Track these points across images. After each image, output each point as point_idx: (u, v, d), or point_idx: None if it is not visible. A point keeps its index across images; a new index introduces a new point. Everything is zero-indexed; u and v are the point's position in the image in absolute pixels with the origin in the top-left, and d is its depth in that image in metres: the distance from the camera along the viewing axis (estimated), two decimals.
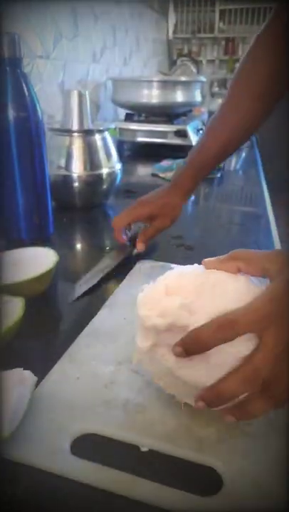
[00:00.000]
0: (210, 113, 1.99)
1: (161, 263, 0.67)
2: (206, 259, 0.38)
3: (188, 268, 0.39)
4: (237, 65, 0.72)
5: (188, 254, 0.73)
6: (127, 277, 0.63)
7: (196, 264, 0.39)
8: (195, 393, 0.35)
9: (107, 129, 0.96)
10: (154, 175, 1.28)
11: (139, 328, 0.37)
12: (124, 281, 0.62)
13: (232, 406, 0.34)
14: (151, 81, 1.52)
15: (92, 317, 0.53)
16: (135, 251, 0.70)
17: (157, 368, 0.37)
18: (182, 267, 0.39)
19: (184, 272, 0.38)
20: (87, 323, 0.52)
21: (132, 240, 0.71)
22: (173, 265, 0.40)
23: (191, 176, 0.72)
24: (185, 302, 0.34)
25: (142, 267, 0.66)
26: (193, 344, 0.33)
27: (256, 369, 0.32)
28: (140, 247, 0.69)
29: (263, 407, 0.33)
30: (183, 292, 0.35)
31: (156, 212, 0.69)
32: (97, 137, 0.93)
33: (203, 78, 1.69)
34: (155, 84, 1.50)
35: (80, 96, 0.91)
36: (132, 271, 0.65)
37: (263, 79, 0.66)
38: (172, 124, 1.51)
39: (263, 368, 0.32)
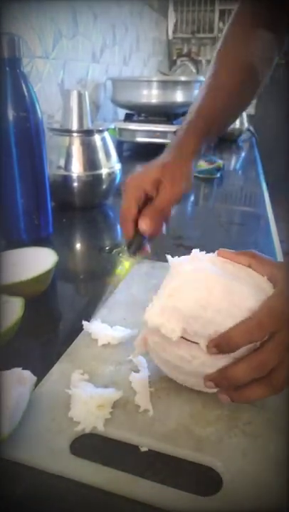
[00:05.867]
0: None
1: (160, 263, 0.67)
2: (221, 249, 0.42)
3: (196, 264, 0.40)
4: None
5: (188, 254, 0.73)
6: (127, 277, 0.63)
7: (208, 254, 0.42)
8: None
9: (107, 129, 0.96)
10: None
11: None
12: (124, 282, 0.62)
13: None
14: (151, 81, 1.52)
15: (92, 317, 0.53)
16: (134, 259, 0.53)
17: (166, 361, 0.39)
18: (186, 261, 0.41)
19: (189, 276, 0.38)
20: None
21: (132, 246, 0.52)
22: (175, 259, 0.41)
23: (197, 135, 0.57)
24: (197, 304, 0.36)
25: (142, 267, 0.66)
26: (226, 345, 0.35)
27: (266, 359, 0.35)
28: (147, 223, 0.49)
29: (260, 392, 0.36)
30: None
31: (163, 174, 0.52)
32: (97, 137, 0.93)
33: (202, 78, 1.69)
34: (155, 84, 1.50)
35: (80, 96, 0.91)
36: (132, 271, 0.65)
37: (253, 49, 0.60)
38: (172, 124, 1.51)
39: (272, 358, 0.35)
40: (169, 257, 0.42)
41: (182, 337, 0.37)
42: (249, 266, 0.41)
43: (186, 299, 0.37)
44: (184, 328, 0.36)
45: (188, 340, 0.37)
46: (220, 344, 0.35)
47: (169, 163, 0.53)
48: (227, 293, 0.36)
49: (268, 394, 0.36)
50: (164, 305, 0.37)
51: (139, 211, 0.51)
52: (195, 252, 0.42)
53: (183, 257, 0.42)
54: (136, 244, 0.51)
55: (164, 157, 0.55)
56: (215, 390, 0.38)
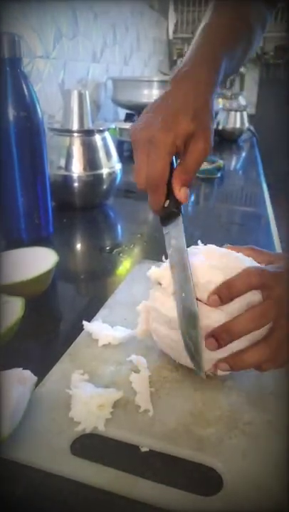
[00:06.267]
0: None
1: (160, 263, 0.67)
2: (227, 244, 0.46)
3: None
4: None
5: None
6: (127, 277, 0.63)
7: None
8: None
9: (108, 129, 0.96)
10: None
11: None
12: (124, 282, 0.62)
13: (227, 355, 0.38)
14: (152, 81, 1.52)
15: (92, 317, 0.53)
16: (169, 231, 0.44)
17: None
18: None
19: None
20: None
21: (165, 219, 0.45)
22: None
23: (209, 66, 0.47)
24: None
25: (142, 267, 0.66)
26: (227, 292, 0.37)
27: (266, 310, 0.37)
28: (186, 193, 0.43)
29: (259, 356, 0.37)
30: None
31: (196, 126, 0.43)
32: (97, 137, 0.93)
33: None
34: (155, 84, 1.50)
35: (80, 96, 0.91)
36: (132, 271, 0.65)
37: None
38: None
39: (271, 310, 0.37)
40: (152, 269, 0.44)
41: None
42: (249, 256, 0.43)
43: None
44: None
45: None
46: (221, 291, 0.37)
47: (198, 110, 0.44)
48: (224, 255, 0.42)
49: (266, 357, 0.37)
50: (165, 265, 0.42)
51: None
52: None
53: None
54: (177, 214, 0.44)
55: (178, 92, 0.45)
56: (210, 368, 0.40)
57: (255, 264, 0.42)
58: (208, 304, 0.38)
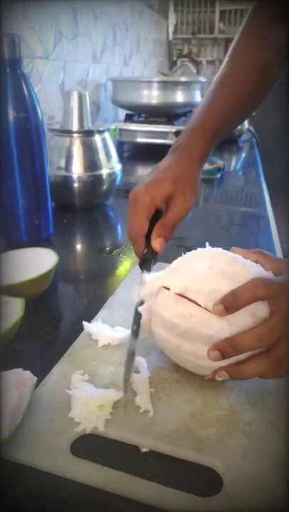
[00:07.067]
0: None
1: (161, 264, 0.67)
2: (234, 247, 0.45)
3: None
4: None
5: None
6: (128, 278, 0.63)
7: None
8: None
9: (107, 130, 0.96)
10: None
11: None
12: (125, 282, 0.62)
13: (228, 365, 0.38)
14: (152, 81, 1.52)
15: (92, 317, 0.53)
16: (143, 275, 0.48)
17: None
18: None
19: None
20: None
21: (142, 263, 0.50)
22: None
23: (207, 136, 0.55)
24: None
25: None
26: (233, 302, 0.37)
27: (273, 328, 0.37)
28: (161, 244, 0.49)
29: (259, 368, 0.37)
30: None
31: (174, 189, 0.51)
32: (97, 138, 0.93)
33: (203, 79, 1.69)
34: (155, 84, 1.50)
35: (80, 96, 0.91)
36: (132, 271, 0.65)
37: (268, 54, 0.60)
38: (172, 124, 1.51)
39: (277, 328, 0.36)
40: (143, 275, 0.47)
41: (183, 296, 0.39)
42: (256, 261, 0.43)
43: (189, 268, 0.41)
44: (186, 286, 0.39)
45: (189, 300, 0.39)
46: (227, 301, 0.37)
47: (179, 176, 0.52)
48: (231, 261, 0.40)
49: (267, 370, 0.37)
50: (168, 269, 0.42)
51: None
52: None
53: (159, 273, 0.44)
54: (150, 261, 0.49)
55: (170, 161, 0.54)
56: (209, 374, 0.39)
57: (263, 271, 0.41)
58: (213, 313, 0.38)
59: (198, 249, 0.44)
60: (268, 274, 0.41)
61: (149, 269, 0.49)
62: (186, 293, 0.39)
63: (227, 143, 1.90)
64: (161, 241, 0.49)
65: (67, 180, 0.90)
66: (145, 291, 0.43)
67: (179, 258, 0.44)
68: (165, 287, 0.41)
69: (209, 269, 0.40)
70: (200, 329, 0.38)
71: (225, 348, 0.37)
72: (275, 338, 0.37)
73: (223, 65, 0.61)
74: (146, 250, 0.49)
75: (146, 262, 0.49)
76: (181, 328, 0.39)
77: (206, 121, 0.56)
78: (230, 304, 0.37)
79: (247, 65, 0.60)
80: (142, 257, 0.50)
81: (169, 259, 0.45)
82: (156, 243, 0.49)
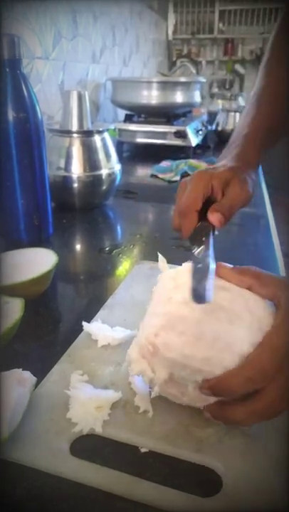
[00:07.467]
0: (209, 114, 1.99)
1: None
2: (221, 264, 0.39)
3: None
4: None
5: (187, 256, 0.73)
6: (127, 278, 0.63)
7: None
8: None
9: (107, 130, 0.96)
10: (152, 176, 1.28)
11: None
12: (124, 282, 0.62)
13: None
14: (151, 82, 1.52)
15: (92, 318, 0.53)
16: (196, 250, 0.43)
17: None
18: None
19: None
20: None
21: (194, 237, 0.46)
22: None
23: (258, 147, 0.57)
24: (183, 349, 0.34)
25: (142, 267, 0.66)
26: (222, 391, 0.33)
27: (270, 404, 0.33)
28: (220, 218, 0.46)
29: (244, 416, 0.33)
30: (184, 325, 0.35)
31: (233, 176, 0.50)
32: (97, 138, 0.93)
33: (202, 79, 1.69)
34: (155, 84, 1.50)
35: (80, 96, 0.91)
36: (131, 272, 0.65)
37: None
38: (172, 124, 1.51)
39: (276, 404, 0.33)
40: (161, 263, 0.43)
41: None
42: (249, 288, 0.37)
43: (172, 344, 0.34)
44: (170, 373, 0.35)
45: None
46: (215, 388, 0.33)
47: (240, 168, 0.51)
48: (216, 338, 0.34)
49: (252, 417, 0.33)
50: (150, 349, 0.35)
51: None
52: (186, 265, 0.40)
53: (174, 269, 0.41)
54: (203, 233, 0.45)
55: (228, 163, 0.53)
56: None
57: (257, 335, 0.34)
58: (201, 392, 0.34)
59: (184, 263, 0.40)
60: (264, 319, 0.35)
61: (200, 244, 0.44)
62: (171, 377, 0.36)
63: (227, 143, 1.90)
64: (219, 215, 0.46)
65: (66, 181, 0.90)
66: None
67: (156, 310, 0.38)
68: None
69: (191, 360, 0.34)
70: (194, 404, 0.37)
71: (217, 416, 0.35)
72: (266, 381, 0.32)
73: (258, 78, 0.64)
74: (199, 224, 0.47)
75: (198, 235, 0.45)
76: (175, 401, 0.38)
77: (256, 133, 0.58)
78: (218, 393, 0.34)
79: (283, 74, 0.61)
80: (194, 231, 0.46)
81: (169, 260, 0.44)
82: (214, 216, 0.46)
